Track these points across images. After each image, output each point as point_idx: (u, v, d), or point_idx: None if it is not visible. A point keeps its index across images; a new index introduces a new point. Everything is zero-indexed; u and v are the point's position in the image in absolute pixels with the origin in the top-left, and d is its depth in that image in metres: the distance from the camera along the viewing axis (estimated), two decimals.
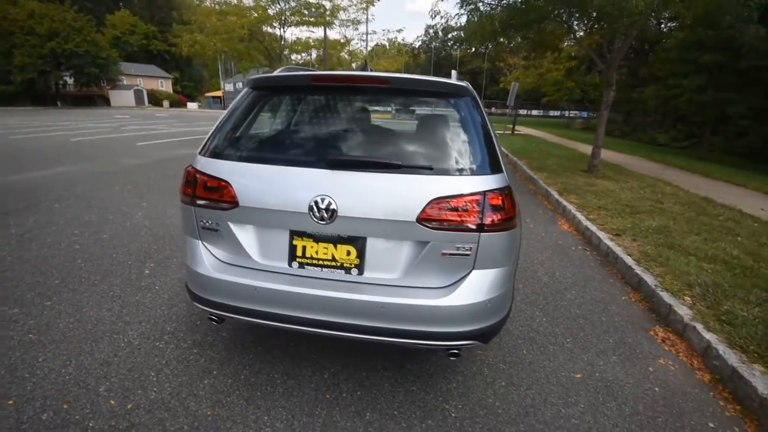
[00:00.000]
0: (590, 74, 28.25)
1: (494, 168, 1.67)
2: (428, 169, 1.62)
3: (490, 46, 11.20)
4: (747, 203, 6.09)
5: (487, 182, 1.62)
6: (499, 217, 1.61)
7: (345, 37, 16.27)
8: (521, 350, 2.46)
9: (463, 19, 8.82)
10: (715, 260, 3.61)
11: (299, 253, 1.70)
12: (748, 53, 11.91)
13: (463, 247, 1.61)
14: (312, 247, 1.69)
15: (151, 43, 52.13)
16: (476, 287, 1.65)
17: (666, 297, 2.95)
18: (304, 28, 11.54)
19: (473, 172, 1.64)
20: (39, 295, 2.79)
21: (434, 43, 78.31)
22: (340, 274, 1.69)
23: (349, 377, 2.12)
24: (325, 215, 1.60)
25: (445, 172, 1.63)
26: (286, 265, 1.72)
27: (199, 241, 1.83)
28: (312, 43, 12.51)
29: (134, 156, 9.12)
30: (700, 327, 2.55)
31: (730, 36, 11.70)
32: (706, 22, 9.91)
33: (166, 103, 42.36)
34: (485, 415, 1.92)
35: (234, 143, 1.87)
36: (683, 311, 2.75)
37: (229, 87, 39.91)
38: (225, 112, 1.97)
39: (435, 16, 9.57)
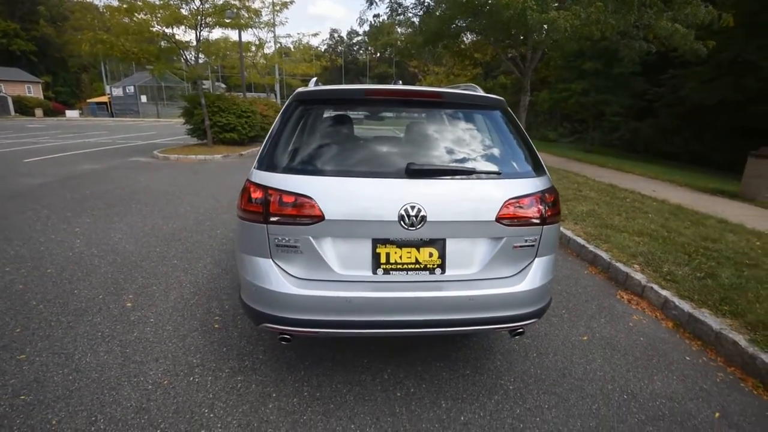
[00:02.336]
0: (487, 80, 31.41)
1: (543, 170, 1.94)
2: (497, 174, 1.84)
3: (413, 50, 11.81)
4: (641, 186, 7.51)
5: (543, 182, 1.90)
6: (554, 211, 1.89)
7: (259, 39, 15.64)
8: (534, 325, 2.80)
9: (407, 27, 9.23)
10: (642, 234, 4.46)
11: (383, 260, 1.76)
12: (619, 62, 14.51)
13: (530, 239, 1.86)
14: (396, 252, 1.77)
15: (13, 42, 43.17)
16: (539, 273, 1.90)
17: (621, 267, 3.59)
18: (218, 30, 10.90)
19: (530, 175, 1.89)
20: (3, 350, 2.32)
21: (340, 47, 78.97)
22: (425, 275, 1.79)
23: (408, 374, 2.22)
24: (416, 221, 1.70)
25: (510, 175, 1.86)
26: (370, 273, 1.77)
27: (270, 260, 1.77)
28: (225, 45, 11.76)
29: (30, 175, 7.68)
30: (656, 287, 3.18)
31: (604, 47, 14.17)
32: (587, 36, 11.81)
33: (39, 112, 35.38)
34: (535, 383, 2.19)
35: (303, 157, 1.84)
36: (638, 276, 3.39)
37: (117, 92, 35.01)
38: (274, 126, 1.92)
39: (363, 24, 9.85)
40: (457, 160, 1.91)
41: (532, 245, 1.88)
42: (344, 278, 1.76)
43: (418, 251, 1.78)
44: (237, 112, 11.69)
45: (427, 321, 1.77)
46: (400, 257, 1.77)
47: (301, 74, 20.42)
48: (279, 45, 16.78)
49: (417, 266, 1.78)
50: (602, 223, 4.83)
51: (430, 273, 1.79)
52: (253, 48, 15.05)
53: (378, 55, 72.12)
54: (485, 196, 1.79)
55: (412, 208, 1.69)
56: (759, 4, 11.20)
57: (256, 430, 1.81)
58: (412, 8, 8.50)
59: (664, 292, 3.09)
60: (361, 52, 77.83)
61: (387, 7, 9.14)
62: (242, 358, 2.31)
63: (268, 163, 1.80)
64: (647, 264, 3.63)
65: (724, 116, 14.50)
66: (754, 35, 11.30)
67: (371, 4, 9.42)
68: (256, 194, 1.74)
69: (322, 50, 67.80)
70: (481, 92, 2.22)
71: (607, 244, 4.16)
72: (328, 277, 1.76)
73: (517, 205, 1.80)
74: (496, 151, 1.98)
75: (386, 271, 1.77)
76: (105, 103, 36.74)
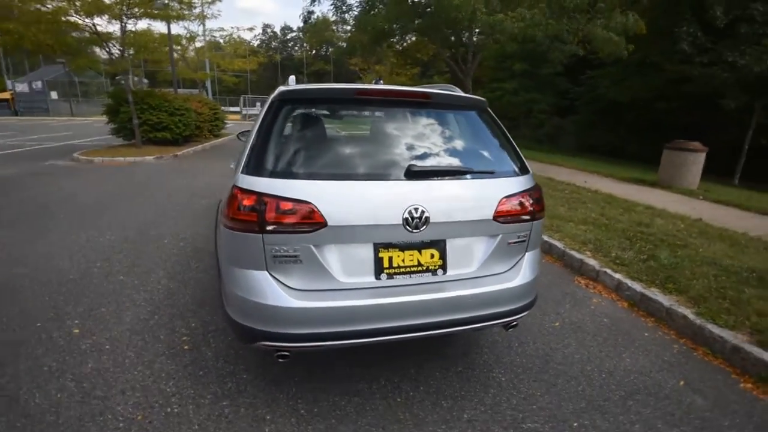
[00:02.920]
0: (423, 79, 32.33)
1: (527, 169, 2.01)
2: (490, 173, 1.86)
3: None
4: (574, 179, 8.18)
5: (530, 180, 1.96)
6: (541, 207, 1.97)
7: (190, 32, 14.46)
8: None
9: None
10: (586, 223, 4.86)
11: (386, 264, 1.70)
12: (545, 63, 15.69)
13: (522, 235, 1.91)
14: (398, 256, 1.72)
15: None
16: (530, 267, 1.97)
17: (575, 254, 3.88)
18: (145, 21, 9.84)
19: (519, 173, 1.95)
20: None
21: (274, 43, 75.96)
22: (427, 276, 1.77)
23: (403, 378, 2.19)
24: (420, 223, 1.66)
25: (502, 174, 1.90)
26: (374, 279, 1.70)
27: (266, 272, 1.62)
28: (155, 38, 10.70)
29: None
30: (609, 271, 3.47)
31: (531, 49, 15.25)
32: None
33: None
34: (524, 372, 2.28)
35: (298, 160, 1.70)
36: (592, 262, 3.68)
37: (22, 87, 30.22)
38: (258, 127, 1.76)
39: (310, 17, 9.58)
40: (452, 161, 1.91)
41: (524, 240, 1.94)
42: (347, 286, 1.67)
43: (420, 253, 1.75)
44: (169, 109, 10.75)
45: (432, 323, 1.75)
46: (403, 260, 1.73)
47: (236, 70, 19.35)
48: (212, 38, 15.66)
49: (419, 268, 1.76)
50: (550, 214, 5.18)
51: (432, 274, 1.78)
52: (184, 41, 13.90)
53: (314, 52, 70.62)
54: (482, 195, 1.81)
55: (416, 210, 1.65)
56: (660, 11, 12.72)
57: None
58: (356, 6, 8.43)
59: (617, 276, 3.38)
60: (296, 48, 75.63)
61: (331, 4, 8.96)
62: (223, 380, 2.11)
63: (257, 168, 1.64)
64: (597, 250, 3.95)
65: (634, 112, 16.33)
66: (658, 40, 12.81)
67: (314, 0, 9.17)
68: (248, 201, 1.58)
69: (255, 45, 64.82)
70: (461, 93, 2.23)
71: (558, 233, 4.47)
72: (330, 286, 1.66)
73: (511, 202, 1.85)
74: (485, 151, 2.01)
75: (390, 276, 1.72)
76: (7, 100, 31.59)
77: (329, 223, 1.59)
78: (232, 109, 30.90)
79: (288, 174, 1.64)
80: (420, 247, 1.75)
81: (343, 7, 8.79)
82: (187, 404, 1.93)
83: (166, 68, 14.90)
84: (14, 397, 1.93)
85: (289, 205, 1.57)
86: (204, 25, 14.60)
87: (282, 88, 1.84)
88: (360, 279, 1.70)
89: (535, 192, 1.95)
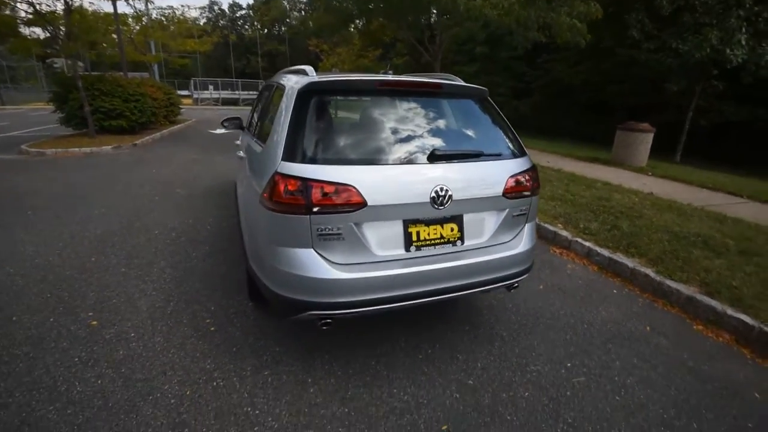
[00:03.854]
0: (383, 62, 32.27)
1: (524, 151, 2.30)
2: (498, 155, 2.13)
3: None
4: (536, 159, 8.73)
5: (528, 161, 2.26)
6: (538, 184, 2.27)
7: (137, 11, 13.41)
8: None
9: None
10: (554, 199, 5.33)
11: (415, 238, 1.93)
12: (504, 47, 16.24)
13: (524, 209, 2.21)
14: (424, 230, 1.95)
15: None
16: (529, 236, 2.28)
17: (549, 227, 4.31)
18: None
19: (520, 155, 2.23)
20: None
21: (222, 21, 71.67)
22: (448, 247, 2.02)
23: (420, 339, 2.45)
24: (444, 201, 1.90)
25: (507, 156, 2.17)
26: (404, 251, 1.93)
27: (312, 249, 1.79)
28: (106, 18, 9.89)
29: None
30: (580, 240, 3.92)
31: (491, 33, 15.72)
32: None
33: None
34: (520, 327, 2.64)
35: (336, 147, 1.86)
36: (564, 233, 4.12)
37: None
38: (287, 116, 1.89)
39: None
40: (465, 144, 2.15)
41: (525, 213, 2.24)
42: (382, 258, 1.89)
43: (442, 227, 1.99)
44: (123, 95, 10.11)
45: (452, 287, 2.02)
46: (428, 234, 1.96)
47: (189, 51, 18.30)
48: (160, 17, 14.61)
49: (442, 240, 2.00)
50: None
51: (452, 245, 2.03)
52: (130, 20, 12.94)
53: (266, 31, 67.55)
54: (493, 175, 2.08)
55: (441, 189, 1.89)
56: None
57: (308, 414, 1.87)
58: None
59: (587, 244, 3.84)
60: (247, 27, 71.95)
61: None
62: (258, 354, 2.28)
63: (296, 155, 1.79)
64: (567, 223, 4.41)
65: (587, 95, 17.37)
66: (610, 26, 13.65)
67: None
68: (294, 186, 1.73)
69: (202, 24, 60.72)
70: (462, 82, 2.46)
71: None
72: (368, 259, 1.87)
73: (516, 180, 2.13)
74: (489, 135, 2.27)
75: (418, 248, 1.95)
76: None
77: (368, 203, 1.78)
78: (181, 92, 29.36)
79: (329, 160, 1.81)
80: (442, 221, 1.99)
81: None
82: (230, 377, 2.08)
83: (107, 50, 13.85)
84: (54, 388, 1.99)
85: (333, 188, 1.74)
86: (150, 3, 13.59)
87: (310, 79, 1.98)
88: (393, 252, 1.92)
89: (533, 171, 2.25)
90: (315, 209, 1.74)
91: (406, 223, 1.92)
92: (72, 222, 4.31)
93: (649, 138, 8.13)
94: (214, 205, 5.09)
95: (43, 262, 3.34)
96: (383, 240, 1.89)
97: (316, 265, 1.79)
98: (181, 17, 15.72)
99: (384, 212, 1.84)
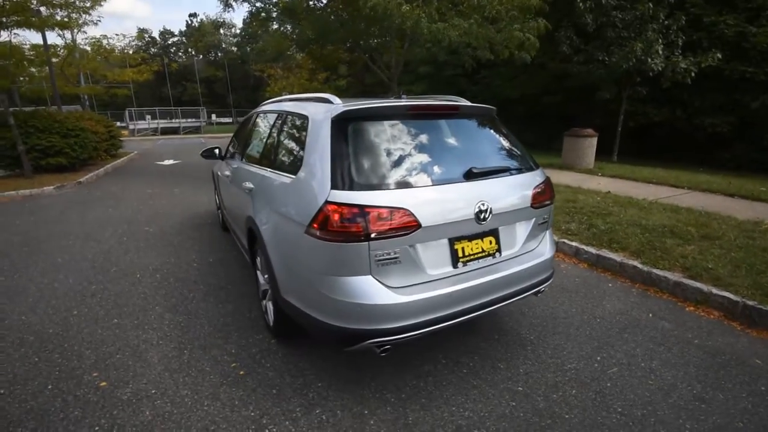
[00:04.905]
0: (327, 83, 32.67)
1: (537, 163, 2.47)
2: (520, 169, 2.26)
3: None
4: None
5: (542, 172, 2.42)
6: (553, 193, 2.44)
7: (67, 41, 12.40)
8: None
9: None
10: None
11: (460, 254, 1.98)
12: (447, 66, 17.15)
13: (546, 217, 2.36)
14: (468, 246, 2.01)
15: None
16: (551, 242, 2.43)
17: None
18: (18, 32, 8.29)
19: (535, 167, 2.39)
20: None
21: (153, 49, 68.47)
22: (489, 260, 2.09)
23: (459, 354, 2.48)
24: (486, 216, 1.97)
25: (526, 169, 2.32)
26: (451, 268, 1.97)
27: (370, 276, 1.77)
28: (37, 50, 9.05)
29: None
30: (566, 240, 4.20)
31: (433, 54, 16.57)
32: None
33: None
34: (543, 329, 2.76)
35: (383, 172, 1.87)
36: None
37: None
38: (324, 144, 1.89)
39: (222, 26, 9.12)
40: (492, 161, 2.26)
41: (546, 221, 2.39)
42: (434, 277, 1.92)
43: (482, 241, 2.07)
44: (62, 131, 9.28)
45: (495, 299, 2.09)
46: (472, 249, 2.03)
47: (126, 81, 17.28)
48: (86, 49, 13.64)
49: (483, 254, 2.07)
50: None
51: (492, 258, 2.11)
52: (61, 51, 11.98)
53: (201, 57, 65.58)
54: (521, 188, 2.21)
55: (483, 205, 1.97)
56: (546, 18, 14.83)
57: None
58: (278, 12, 8.27)
59: (573, 243, 4.12)
60: (180, 54, 69.47)
61: (250, 8, 8.65)
62: (302, 392, 2.17)
63: (345, 182, 1.79)
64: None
65: (524, 106, 18.74)
66: (543, 43, 14.93)
67: (227, 6, 8.73)
68: (350, 214, 1.72)
69: (130, 53, 57.51)
70: (468, 103, 2.60)
71: None
72: (421, 279, 1.88)
73: (539, 191, 2.28)
74: (507, 150, 2.41)
75: (464, 263, 2.00)
76: None
77: (422, 225, 1.81)
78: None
79: (379, 185, 1.82)
80: (482, 236, 2.07)
81: (262, 13, 8.54)
82: (281, 422, 1.97)
83: (34, 84, 12.69)
84: None
85: (389, 213, 1.75)
86: (82, 33, 12.72)
87: (342, 106, 1.99)
88: (442, 269, 1.95)
89: (548, 181, 2.42)
90: (373, 235, 1.74)
91: (452, 241, 1.97)
92: (34, 273, 3.85)
93: (594, 142, 8.94)
94: (192, 241, 4.80)
95: (15, 322, 2.95)
96: (433, 259, 1.92)
97: (376, 291, 1.77)
98: (108, 47, 14.79)
99: (435, 231, 1.88)
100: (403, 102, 2.09)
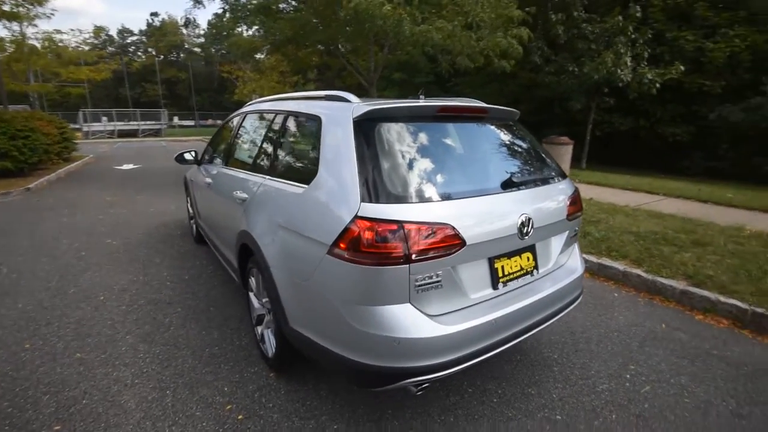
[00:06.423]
0: (296, 87, 32.10)
1: (564, 171, 2.32)
2: (553, 179, 2.09)
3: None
4: None
5: (571, 181, 2.26)
6: (582, 202, 2.29)
7: (15, 35, 11.23)
8: None
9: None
10: None
11: (500, 273, 1.77)
12: (420, 74, 17.25)
13: (576, 228, 2.20)
14: (507, 264, 1.80)
15: None
16: (579, 255, 2.28)
17: None
18: None
19: (564, 175, 2.23)
20: None
21: (110, 48, 64.67)
22: (527, 278, 1.89)
23: (483, 380, 2.27)
24: (529, 231, 1.77)
25: (557, 178, 2.15)
26: (492, 290, 1.75)
27: (409, 304, 1.51)
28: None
29: None
30: None
31: (406, 60, 16.61)
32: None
33: None
34: (562, 345, 2.60)
35: (420, 181, 1.61)
36: None
37: None
38: (350, 149, 1.61)
39: (188, 25, 8.58)
40: (526, 169, 2.08)
41: (576, 233, 2.23)
42: (475, 301, 1.69)
43: (521, 258, 1.87)
44: (9, 132, 8.33)
45: (534, 323, 1.89)
46: (511, 267, 1.82)
47: (82, 79, 16.04)
48: (49, 42, 12.50)
49: (521, 272, 1.87)
50: None
51: (530, 276, 1.91)
52: (8, 45, 10.85)
53: (162, 57, 62.64)
54: (558, 198, 2.04)
55: (527, 218, 1.77)
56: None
57: None
58: (255, 10, 7.84)
59: None
60: (140, 53, 66.06)
61: (222, 5, 8.17)
62: None
63: (378, 194, 1.52)
64: None
65: None
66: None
67: (197, 2, 8.20)
68: (386, 231, 1.46)
69: (86, 49, 53.73)
70: (485, 105, 2.42)
71: None
72: (463, 304, 1.65)
73: (572, 201, 2.12)
74: (537, 157, 2.23)
75: (504, 284, 1.79)
76: None
77: (468, 243, 1.58)
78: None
79: (417, 197, 1.57)
80: (520, 252, 1.87)
81: (239, 11, 8.09)
82: None
83: None
84: None
85: (430, 229, 1.51)
86: (32, 26, 11.61)
87: (365, 106, 1.73)
88: (483, 292, 1.73)
89: (577, 191, 2.27)
90: (414, 256, 1.48)
91: (491, 259, 1.75)
92: None
93: (570, 149, 9.15)
94: (162, 255, 4.33)
95: None
96: (473, 280, 1.70)
97: (417, 322, 1.51)
98: (61, 43, 13.61)
99: (476, 250, 1.66)
100: (431, 102, 1.87)
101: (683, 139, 12.00)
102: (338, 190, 1.62)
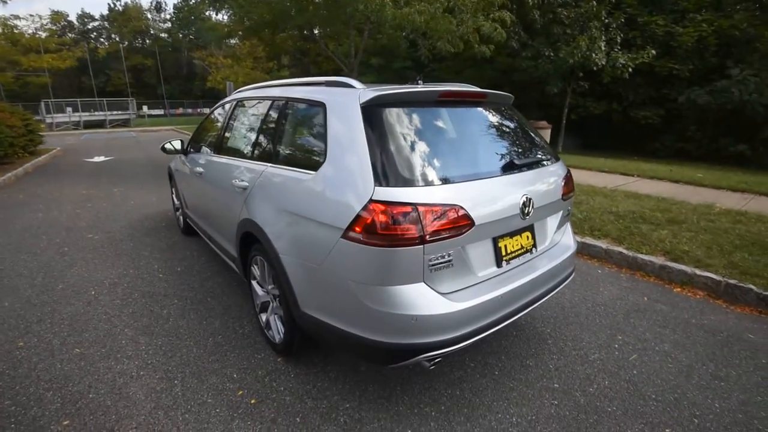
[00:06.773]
0: (271, 73, 31.31)
1: (556, 154, 2.41)
2: (548, 161, 2.18)
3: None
4: None
5: (563, 163, 2.36)
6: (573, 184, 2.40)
7: None
8: None
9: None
10: None
11: (503, 252, 1.85)
12: (396, 58, 17.17)
13: (570, 208, 2.31)
14: (509, 243, 1.89)
15: None
16: (571, 233, 2.39)
17: None
18: None
19: (557, 157, 2.32)
20: None
21: (70, 34, 60.75)
22: (528, 256, 1.98)
23: (485, 355, 2.38)
24: (530, 211, 1.86)
25: (551, 159, 2.24)
26: (496, 268, 1.83)
27: (423, 283, 1.58)
28: None
29: None
30: None
31: (385, 45, 16.47)
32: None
33: None
34: (555, 322, 2.75)
35: (430, 165, 1.66)
36: None
37: None
38: (359, 134, 1.64)
39: (160, 9, 8.20)
40: (524, 152, 2.15)
41: (569, 212, 2.35)
42: (482, 279, 1.77)
43: (521, 237, 1.96)
44: None
45: (534, 298, 2.00)
46: (513, 246, 1.91)
47: (39, 69, 15.11)
48: (1, 29, 11.65)
49: (522, 250, 1.97)
50: None
51: (530, 253, 2.01)
52: None
53: (126, 44, 59.47)
54: (554, 179, 2.13)
55: (528, 199, 1.86)
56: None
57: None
58: None
59: None
60: (102, 40, 62.43)
61: None
62: (330, 417, 1.93)
63: (390, 178, 1.57)
64: None
65: None
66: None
67: None
68: (401, 214, 1.51)
69: (43, 36, 50.42)
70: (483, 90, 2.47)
71: None
72: (471, 282, 1.73)
73: (565, 182, 2.22)
74: (533, 141, 2.31)
75: (507, 262, 1.88)
76: None
77: (476, 223, 1.65)
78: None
79: (428, 180, 1.62)
80: (521, 231, 1.96)
81: None
82: None
83: None
84: None
85: (443, 211, 1.57)
86: None
87: (372, 92, 1.76)
88: (489, 270, 1.82)
89: (569, 172, 2.37)
90: (428, 237, 1.54)
91: (495, 239, 1.84)
92: None
93: (548, 133, 9.38)
94: (149, 248, 4.24)
95: None
96: (480, 259, 1.78)
97: (431, 300, 1.59)
98: (17, 30, 12.72)
99: (483, 230, 1.73)
100: (433, 87, 1.91)
101: (654, 121, 12.49)
102: (350, 175, 1.65)
